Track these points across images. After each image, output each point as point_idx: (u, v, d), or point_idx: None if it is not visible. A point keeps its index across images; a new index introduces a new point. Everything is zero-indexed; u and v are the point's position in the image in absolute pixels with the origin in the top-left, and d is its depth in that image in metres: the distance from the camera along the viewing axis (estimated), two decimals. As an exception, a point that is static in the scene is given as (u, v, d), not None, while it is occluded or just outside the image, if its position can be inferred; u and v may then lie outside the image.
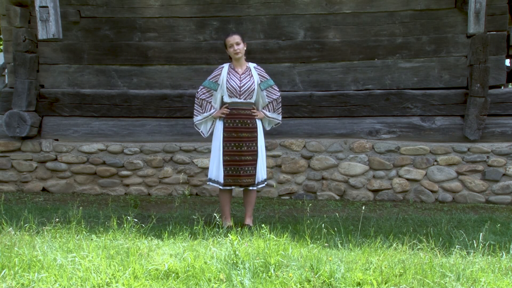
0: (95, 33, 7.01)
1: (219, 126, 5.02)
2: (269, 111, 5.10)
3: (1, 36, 9.40)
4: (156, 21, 6.92)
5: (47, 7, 6.12)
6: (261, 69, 5.14)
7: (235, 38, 4.96)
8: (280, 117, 5.21)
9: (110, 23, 6.98)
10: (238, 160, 4.94)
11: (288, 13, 6.77)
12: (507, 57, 7.06)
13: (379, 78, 6.75)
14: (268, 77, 5.11)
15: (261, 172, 5.07)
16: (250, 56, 6.71)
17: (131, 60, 7.00)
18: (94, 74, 7.08)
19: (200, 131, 5.20)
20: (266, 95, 5.04)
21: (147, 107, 6.97)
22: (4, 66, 7.52)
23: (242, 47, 4.98)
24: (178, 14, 6.89)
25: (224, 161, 4.95)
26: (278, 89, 5.16)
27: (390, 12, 6.67)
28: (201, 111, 5.07)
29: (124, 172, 6.93)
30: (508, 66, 7.17)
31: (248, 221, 5.05)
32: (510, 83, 9.15)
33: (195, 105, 5.13)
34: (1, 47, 11.87)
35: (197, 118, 5.12)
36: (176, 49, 6.94)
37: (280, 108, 5.19)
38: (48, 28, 6.16)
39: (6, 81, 7.51)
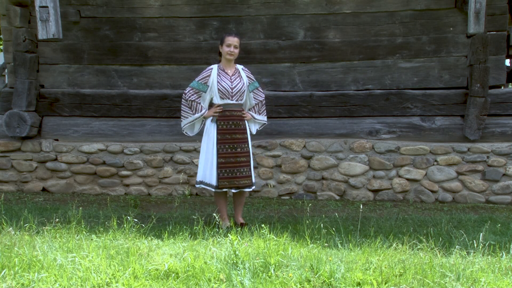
0: (95, 33, 7.01)
1: (212, 127, 4.96)
2: (255, 113, 5.19)
3: (1, 36, 9.41)
4: (156, 21, 6.93)
5: (47, 7, 6.12)
6: (248, 71, 5.19)
7: (235, 41, 4.98)
8: (265, 119, 5.30)
9: (110, 23, 6.99)
10: (234, 161, 4.94)
11: (288, 13, 6.77)
12: (507, 57, 7.07)
13: (379, 78, 6.75)
14: (254, 79, 5.19)
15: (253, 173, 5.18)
16: (250, 56, 6.74)
17: (131, 60, 7.01)
18: (94, 74, 7.08)
19: (185, 132, 5.16)
20: (253, 97, 5.14)
21: (147, 107, 6.98)
22: (4, 66, 7.52)
23: (237, 52, 5.03)
24: (178, 14, 6.89)
25: (219, 163, 4.89)
26: (262, 91, 5.27)
27: (390, 12, 6.67)
28: (191, 112, 5.00)
29: (124, 172, 6.93)
30: (508, 66, 7.17)
31: (241, 219, 5.08)
32: (510, 83, 9.16)
33: (183, 106, 5.06)
34: (1, 47, 11.88)
35: (187, 120, 5.04)
36: (176, 49, 6.94)
37: (265, 110, 5.29)
38: (48, 28, 6.17)
39: (6, 81, 7.51)
